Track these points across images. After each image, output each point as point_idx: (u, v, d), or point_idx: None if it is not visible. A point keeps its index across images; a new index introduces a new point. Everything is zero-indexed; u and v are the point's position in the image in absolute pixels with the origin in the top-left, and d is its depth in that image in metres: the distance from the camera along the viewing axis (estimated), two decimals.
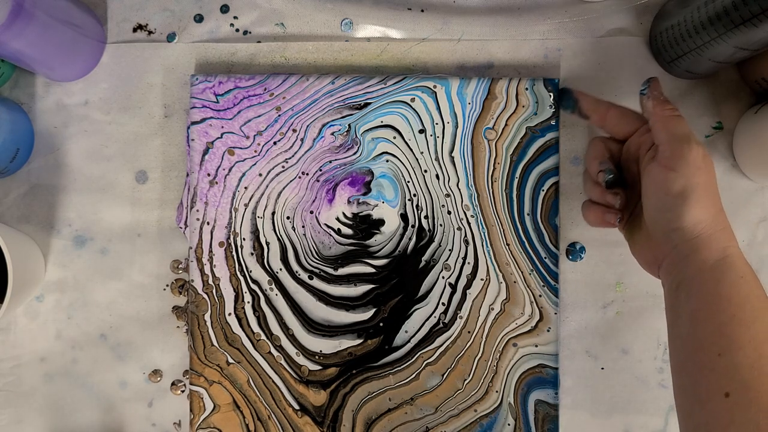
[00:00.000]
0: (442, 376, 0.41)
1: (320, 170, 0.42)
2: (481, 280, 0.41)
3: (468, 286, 0.41)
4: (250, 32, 0.44)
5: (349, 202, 0.42)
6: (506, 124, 0.41)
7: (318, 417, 0.41)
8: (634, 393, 0.42)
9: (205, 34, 0.44)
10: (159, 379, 0.43)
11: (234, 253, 0.41)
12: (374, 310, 0.41)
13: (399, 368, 0.41)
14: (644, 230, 0.36)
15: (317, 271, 0.41)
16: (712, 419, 0.29)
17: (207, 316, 0.41)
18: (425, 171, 0.41)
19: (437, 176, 0.41)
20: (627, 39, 0.43)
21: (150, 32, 0.44)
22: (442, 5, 0.44)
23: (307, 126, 0.42)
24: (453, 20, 0.43)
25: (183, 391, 0.43)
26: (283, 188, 0.42)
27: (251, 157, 0.42)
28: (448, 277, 0.41)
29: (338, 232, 0.41)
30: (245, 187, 0.42)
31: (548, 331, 0.41)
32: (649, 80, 0.35)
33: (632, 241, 0.37)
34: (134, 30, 0.44)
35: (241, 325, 0.41)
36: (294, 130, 0.42)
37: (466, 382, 0.41)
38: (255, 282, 0.41)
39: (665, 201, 0.33)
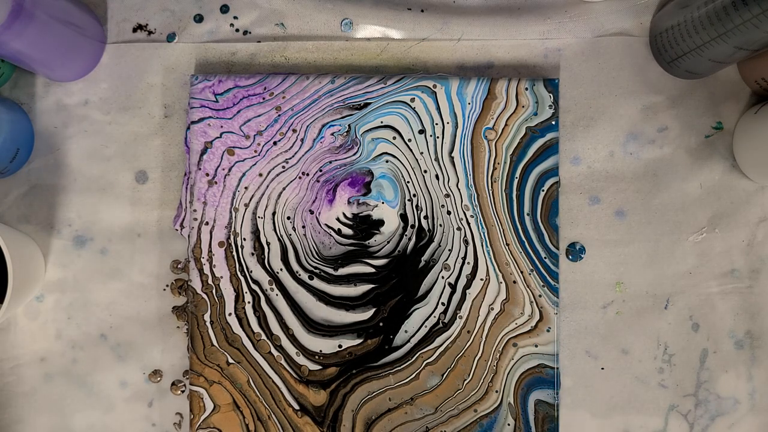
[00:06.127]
0: (442, 376, 0.41)
1: (320, 171, 0.42)
2: (481, 280, 0.41)
3: (468, 286, 0.41)
4: (250, 32, 0.44)
5: (349, 202, 0.42)
6: (506, 124, 0.41)
7: (318, 417, 0.41)
8: (634, 393, 0.42)
9: (205, 34, 0.44)
10: (159, 379, 0.43)
11: (234, 253, 0.41)
12: (374, 310, 0.41)
13: (399, 368, 0.41)
14: None
15: (317, 271, 0.41)
16: None
17: (206, 316, 0.41)
18: (425, 171, 0.41)
19: (437, 176, 0.41)
20: (627, 39, 0.43)
21: (150, 32, 0.44)
22: (442, 5, 0.44)
23: (307, 126, 0.42)
24: (453, 20, 0.43)
25: (183, 391, 0.43)
26: (284, 188, 0.42)
27: (251, 157, 0.42)
28: (448, 277, 0.41)
29: (338, 232, 0.41)
30: (245, 187, 0.42)
31: (548, 331, 0.41)
32: None
33: None
34: (134, 30, 0.44)
35: (241, 325, 0.41)
36: (294, 131, 0.42)
37: (465, 382, 0.41)
38: (256, 282, 0.41)
39: None
